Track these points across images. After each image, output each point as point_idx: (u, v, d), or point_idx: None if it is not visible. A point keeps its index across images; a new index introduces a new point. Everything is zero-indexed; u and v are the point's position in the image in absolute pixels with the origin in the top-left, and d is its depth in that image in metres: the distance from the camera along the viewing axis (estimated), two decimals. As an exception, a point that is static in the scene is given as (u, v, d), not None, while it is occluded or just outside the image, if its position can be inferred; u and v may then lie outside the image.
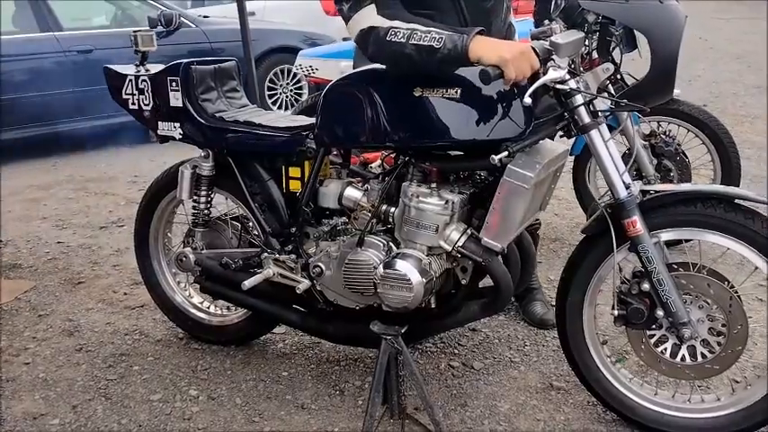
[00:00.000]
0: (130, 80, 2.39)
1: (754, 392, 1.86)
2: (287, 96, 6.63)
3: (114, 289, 3.13)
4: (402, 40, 1.79)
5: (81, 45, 5.72)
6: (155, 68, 2.42)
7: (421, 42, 1.76)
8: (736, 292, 1.83)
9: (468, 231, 1.95)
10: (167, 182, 2.52)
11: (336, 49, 3.82)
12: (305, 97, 6.32)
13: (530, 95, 1.68)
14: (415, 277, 1.91)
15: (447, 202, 1.92)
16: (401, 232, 2.01)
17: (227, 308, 2.59)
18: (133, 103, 2.41)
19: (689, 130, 3.09)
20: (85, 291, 3.13)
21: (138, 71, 2.42)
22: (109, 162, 5.52)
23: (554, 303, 2.59)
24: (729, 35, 11.39)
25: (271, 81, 6.52)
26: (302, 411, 2.17)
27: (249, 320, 2.49)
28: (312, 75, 3.74)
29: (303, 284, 2.15)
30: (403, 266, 1.93)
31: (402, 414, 2.04)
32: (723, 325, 1.82)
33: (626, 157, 3.02)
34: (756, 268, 1.79)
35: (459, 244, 1.93)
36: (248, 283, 2.16)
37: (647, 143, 3.03)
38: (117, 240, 3.75)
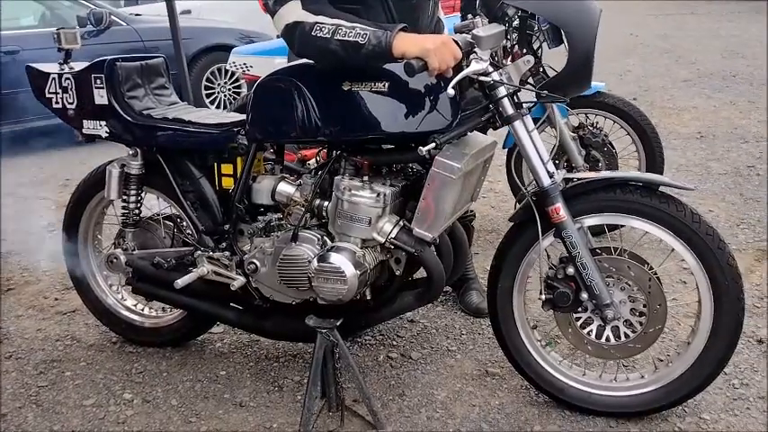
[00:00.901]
0: (53, 78, 2.33)
1: (675, 369, 1.95)
2: (225, 95, 6.55)
3: (45, 294, 3.05)
4: (327, 35, 1.80)
5: (7, 46, 5.52)
6: (79, 66, 2.37)
7: (346, 38, 1.78)
8: (655, 274, 1.91)
9: (401, 223, 1.97)
10: (95, 182, 2.47)
11: (270, 46, 3.80)
12: (243, 93, 6.29)
13: (453, 87, 1.71)
14: (350, 270, 1.93)
15: (379, 194, 1.95)
16: (335, 226, 2.02)
17: (162, 309, 2.56)
18: (57, 102, 2.35)
19: (615, 122, 3.20)
20: (15, 297, 3.03)
21: (62, 69, 2.36)
22: (39, 165, 5.35)
23: (489, 293, 2.67)
24: (659, 31, 11.81)
25: (208, 80, 6.43)
26: (240, 409, 2.16)
27: (185, 321, 2.46)
28: (247, 72, 3.71)
29: (238, 281, 2.14)
30: (337, 259, 1.94)
31: (340, 406, 2.05)
32: (644, 305, 1.90)
33: (554, 149, 3.13)
34: (673, 250, 1.87)
35: (392, 235, 1.95)
36: (181, 282, 2.13)
37: (575, 135, 3.12)
38: (48, 246, 3.64)
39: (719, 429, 1.95)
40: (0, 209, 4.28)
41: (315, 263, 1.97)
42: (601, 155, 3.15)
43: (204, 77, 6.38)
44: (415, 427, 2.03)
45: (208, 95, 6.42)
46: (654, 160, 3.15)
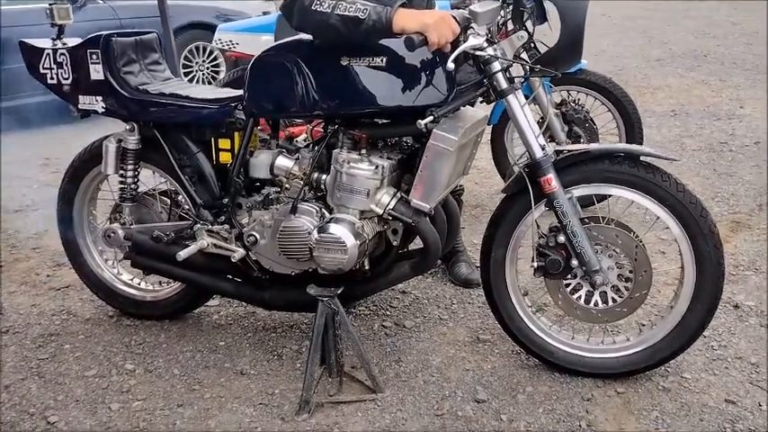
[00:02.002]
0: (48, 54, 2.33)
1: (658, 332, 2.06)
2: (203, 74, 6.51)
3: (36, 271, 3.05)
4: (327, 10, 1.85)
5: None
6: (72, 42, 2.37)
7: (346, 13, 1.82)
8: (641, 242, 2.01)
9: (399, 195, 2.04)
10: (89, 157, 2.48)
11: (256, 23, 3.81)
12: (221, 75, 6.26)
13: (452, 61, 1.77)
14: (350, 240, 1.99)
15: (377, 167, 2.01)
16: (333, 198, 2.08)
17: (159, 283, 2.60)
18: (51, 78, 2.35)
19: (596, 99, 3.29)
20: (6, 275, 3.03)
21: (55, 45, 2.37)
22: (19, 145, 5.28)
23: (479, 264, 2.76)
24: (631, 12, 11.96)
25: (186, 59, 6.38)
26: (242, 377, 2.22)
27: (182, 294, 2.50)
28: (232, 49, 3.72)
29: (238, 253, 2.19)
30: (337, 230, 2.00)
31: (340, 372, 2.13)
32: (630, 271, 2.00)
33: (539, 125, 3.22)
34: (658, 218, 1.97)
35: (390, 207, 2.02)
36: (183, 254, 2.17)
37: (558, 111, 3.21)
38: (34, 223, 3.63)
39: (700, 387, 2.07)
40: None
41: (315, 234, 2.04)
42: (582, 130, 3.24)
43: (182, 56, 6.33)
44: (413, 391, 2.11)
45: (186, 74, 6.37)
46: (633, 136, 3.25)
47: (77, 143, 5.07)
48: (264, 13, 4.37)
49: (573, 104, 3.25)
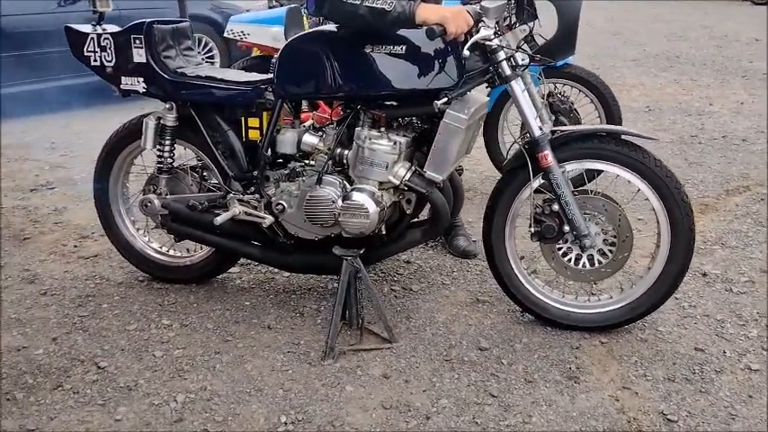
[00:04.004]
0: (92, 38, 2.56)
1: (637, 290, 2.36)
2: (199, 63, 6.71)
3: (63, 243, 3.27)
4: (356, 2, 2.11)
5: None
6: (111, 28, 2.61)
7: (374, 5, 2.09)
8: (624, 211, 2.31)
9: (413, 168, 2.32)
10: (127, 134, 2.72)
11: (267, 15, 4.04)
12: (216, 64, 6.51)
13: (468, 49, 2.06)
14: (372, 206, 2.27)
15: (395, 143, 2.28)
16: (355, 170, 2.35)
17: (187, 250, 2.84)
18: (95, 60, 2.58)
19: (580, 91, 3.60)
20: (34, 245, 3.25)
21: (95, 30, 2.60)
22: (21, 130, 5.45)
23: (475, 239, 3.05)
24: (607, 15, 12.38)
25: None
26: (269, 331, 2.48)
27: (210, 259, 2.75)
28: (243, 39, 3.96)
29: (268, 220, 2.45)
30: (361, 198, 2.28)
31: (360, 324, 2.40)
32: (614, 236, 2.30)
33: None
34: (639, 190, 2.27)
35: (406, 178, 2.30)
36: (219, 220, 2.43)
37: (545, 102, 3.51)
38: (52, 201, 3.84)
39: (673, 338, 2.38)
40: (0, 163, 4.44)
41: (340, 202, 2.31)
42: (567, 119, 3.55)
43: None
44: (423, 342, 2.39)
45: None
46: (613, 124, 3.56)
47: (79, 127, 5.30)
48: (271, 7, 4.61)
49: (559, 96, 3.55)
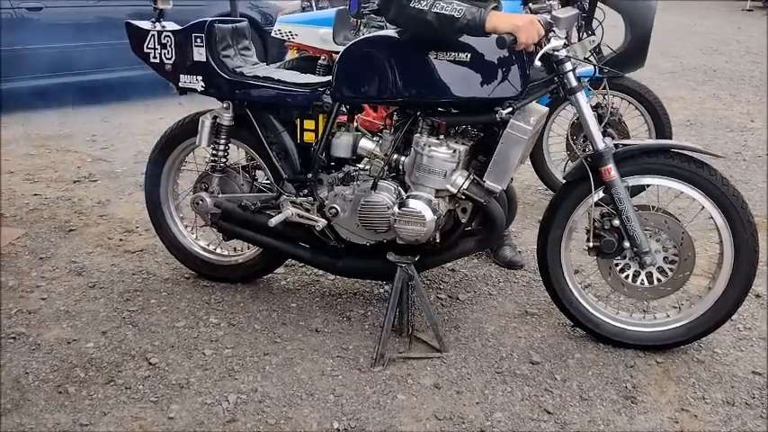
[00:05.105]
0: (153, 35, 2.57)
1: (696, 310, 2.32)
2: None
3: (108, 236, 3.29)
4: (425, 7, 2.09)
5: (31, 2, 5.62)
6: (171, 25, 2.61)
7: (442, 12, 2.07)
8: (686, 228, 2.27)
9: (472, 177, 2.29)
10: (179, 132, 2.72)
11: (315, 16, 4.05)
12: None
13: (540, 59, 2.03)
14: (429, 214, 2.25)
15: (455, 151, 2.26)
16: (411, 177, 2.32)
17: (234, 249, 2.84)
18: (155, 57, 2.59)
19: (630, 103, 3.55)
20: (80, 237, 3.27)
21: (155, 27, 2.60)
22: (61, 121, 5.51)
23: (519, 249, 3.02)
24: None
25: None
26: (317, 334, 2.47)
27: (257, 259, 2.74)
28: (291, 39, 3.96)
29: (321, 223, 2.44)
30: (417, 205, 2.26)
31: (410, 332, 2.38)
32: (675, 255, 2.26)
33: (577, 126, 3.49)
34: (703, 208, 2.23)
35: (464, 187, 2.27)
36: (274, 221, 2.42)
37: (594, 113, 3.46)
38: (95, 193, 3.86)
39: (730, 361, 2.33)
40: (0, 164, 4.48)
41: (396, 208, 2.29)
42: (616, 132, 3.51)
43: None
44: (473, 353, 2.37)
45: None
46: (663, 139, 3.51)
47: (118, 121, 5.35)
48: (320, 8, 4.61)
49: (608, 107, 3.50)
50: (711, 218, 2.23)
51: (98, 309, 2.61)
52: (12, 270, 2.91)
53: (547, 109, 2.42)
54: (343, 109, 2.46)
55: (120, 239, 3.24)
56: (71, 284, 2.79)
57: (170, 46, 2.55)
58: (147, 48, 2.59)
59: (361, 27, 3.97)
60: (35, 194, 3.83)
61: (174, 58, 2.55)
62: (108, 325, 2.50)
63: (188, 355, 2.32)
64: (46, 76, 5.80)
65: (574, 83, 2.20)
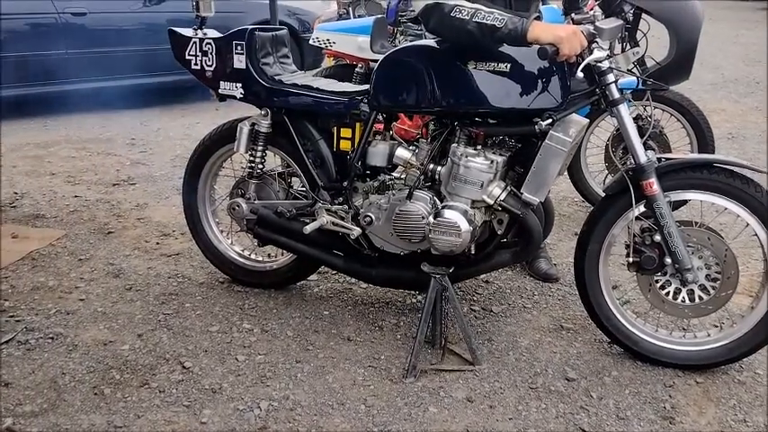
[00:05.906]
0: (194, 42, 2.60)
1: (738, 330, 2.25)
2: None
3: (145, 239, 3.33)
4: (466, 17, 2.07)
5: (76, 7, 5.76)
6: (212, 33, 2.64)
7: (484, 21, 2.05)
8: (730, 246, 2.21)
9: (509, 188, 2.26)
10: (218, 138, 2.75)
11: (354, 24, 4.06)
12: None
13: (581, 70, 2.00)
14: (464, 225, 2.23)
15: (492, 162, 2.24)
16: (447, 187, 2.31)
17: (268, 255, 2.85)
18: (196, 64, 2.62)
19: (672, 115, 3.48)
20: (118, 240, 3.32)
21: (196, 34, 2.64)
22: (101, 125, 5.62)
23: (555, 262, 2.98)
24: (682, 35, 12.00)
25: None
26: (349, 343, 2.46)
27: (291, 266, 2.75)
28: (329, 48, 3.98)
29: (356, 231, 2.43)
30: (453, 216, 2.24)
31: (443, 344, 2.36)
32: (717, 272, 2.19)
33: (617, 138, 3.43)
34: (747, 225, 2.17)
35: (501, 198, 2.25)
36: (309, 228, 2.42)
37: (635, 125, 3.40)
38: (134, 197, 3.92)
39: (772, 383, 2.26)
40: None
41: (431, 218, 2.27)
42: (657, 145, 3.44)
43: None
44: (506, 366, 2.33)
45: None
46: (706, 152, 3.43)
47: (156, 125, 5.44)
48: (359, 16, 4.63)
49: (649, 119, 3.44)
50: (756, 235, 2.17)
51: (134, 311, 2.64)
52: (52, 270, 2.97)
53: (587, 120, 2.38)
54: (380, 117, 2.46)
55: (157, 243, 3.28)
56: (108, 286, 2.84)
57: (211, 53, 2.58)
58: (189, 54, 2.62)
59: (398, 35, 3.97)
60: (75, 196, 3.91)
61: (214, 65, 2.58)
62: (143, 327, 2.53)
63: (221, 360, 2.33)
64: (91, 80, 5.93)
65: (616, 94, 2.16)
